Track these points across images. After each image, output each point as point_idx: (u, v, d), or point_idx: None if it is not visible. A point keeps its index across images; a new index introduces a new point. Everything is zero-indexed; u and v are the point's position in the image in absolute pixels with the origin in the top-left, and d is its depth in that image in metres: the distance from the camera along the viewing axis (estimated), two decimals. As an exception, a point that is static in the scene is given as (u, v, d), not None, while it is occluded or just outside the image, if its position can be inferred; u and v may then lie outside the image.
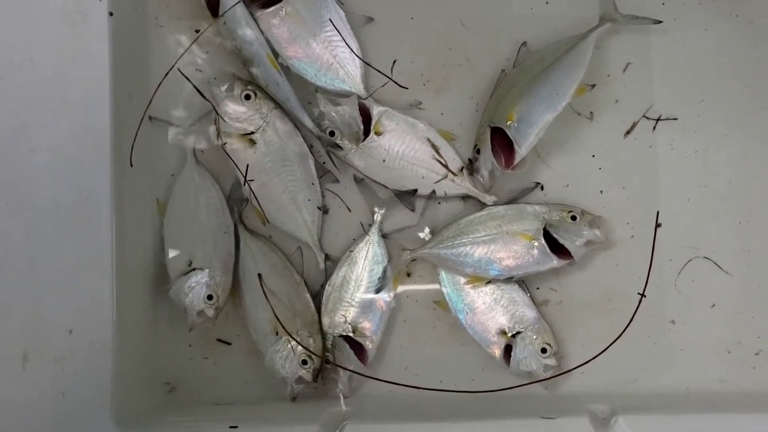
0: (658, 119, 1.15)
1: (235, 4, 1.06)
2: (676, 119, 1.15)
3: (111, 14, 1.04)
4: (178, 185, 1.14)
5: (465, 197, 1.15)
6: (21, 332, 0.83)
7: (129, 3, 1.10)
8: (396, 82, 1.12)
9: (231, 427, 1.00)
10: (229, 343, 1.15)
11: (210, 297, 1.09)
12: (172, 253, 1.12)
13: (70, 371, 0.91)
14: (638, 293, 1.06)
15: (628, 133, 1.15)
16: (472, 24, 1.15)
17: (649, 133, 1.15)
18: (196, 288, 1.09)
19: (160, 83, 1.05)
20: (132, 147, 1.04)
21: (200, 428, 1.08)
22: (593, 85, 1.10)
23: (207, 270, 1.10)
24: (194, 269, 1.10)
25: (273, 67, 1.10)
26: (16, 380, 0.82)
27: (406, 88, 1.13)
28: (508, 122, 1.06)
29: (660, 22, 1.12)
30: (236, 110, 1.09)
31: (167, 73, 1.06)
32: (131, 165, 1.04)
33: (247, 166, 1.08)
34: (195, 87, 1.08)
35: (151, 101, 1.08)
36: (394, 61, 1.13)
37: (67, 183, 0.95)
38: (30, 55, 0.87)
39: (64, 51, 0.95)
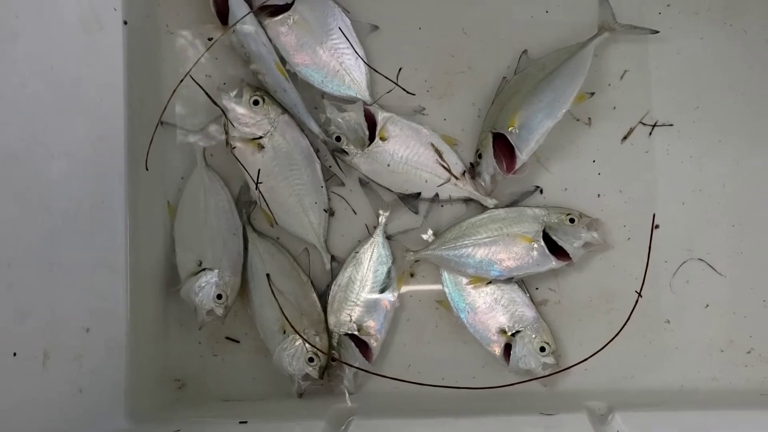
0: (655, 125, 1.16)
1: (245, 15, 1.07)
2: (671, 125, 1.16)
3: (125, 23, 1.06)
4: (188, 188, 1.15)
5: (467, 200, 1.16)
6: (42, 331, 0.84)
7: (141, 11, 1.12)
8: (403, 89, 1.13)
9: (241, 422, 1.01)
10: (238, 341, 1.16)
11: (219, 296, 1.11)
12: (182, 254, 1.13)
13: (87, 368, 0.93)
14: (635, 291, 1.08)
15: (625, 138, 1.16)
16: (474, 32, 1.16)
17: (645, 138, 1.16)
18: (205, 287, 1.11)
19: (174, 91, 1.07)
20: (147, 151, 1.06)
21: (210, 423, 1.09)
22: (592, 93, 1.11)
23: (216, 270, 1.12)
24: (204, 269, 1.12)
25: (281, 74, 1.11)
26: (38, 377, 0.83)
27: (413, 95, 1.14)
28: (510, 128, 1.08)
29: (657, 32, 1.13)
30: (245, 115, 1.11)
31: (181, 81, 1.07)
32: (147, 169, 1.06)
33: (259, 170, 1.09)
34: (206, 93, 1.10)
35: (165, 108, 1.09)
36: (400, 69, 1.14)
37: (83, 187, 0.96)
38: (51, 65, 0.89)
39: (82, 59, 0.97)
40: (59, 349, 0.87)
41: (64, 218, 0.91)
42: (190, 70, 1.07)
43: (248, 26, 1.10)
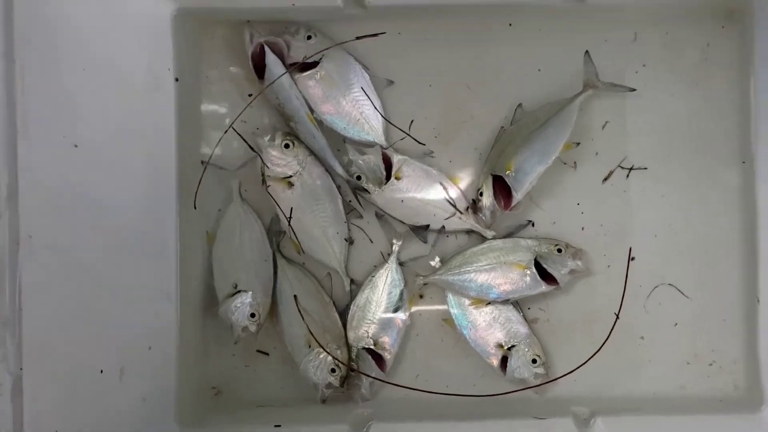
0: (631, 169, 1.19)
1: (282, 75, 1.13)
2: (646, 169, 1.20)
3: (177, 80, 1.13)
4: (226, 220, 1.20)
5: (469, 232, 1.21)
6: (120, 351, 0.93)
7: (188, 67, 1.17)
8: (414, 138, 1.19)
9: (276, 426, 1.08)
10: (267, 354, 1.21)
11: (253, 315, 1.16)
12: (220, 278, 1.19)
13: (149, 380, 1.02)
14: (614, 313, 1.13)
15: (605, 180, 1.20)
16: (477, 88, 1.21)
17: (623, 180, 1.20)
18: (240, 307, 1.16)
19: (219, 140, 1.14)
20: (196, 192, 1.13)
21: (244, 426, 1.15)
22: (578, 143, 1.15)
23: (250, 292, 1.17)
24: (239, 292, 1.17)
25: (310, 122, 1.16)
26: (117, 390, 0.92)
27: (424, 144, 1.19)
28: (507, 172, 1.13)
29: (634, 90, 1.17)
30: (277, 157, 1.16)
31: (225, 132, 1.14)
32: (195, 207, 1.13)
33: (291, 209, 1.15)
34: (245, 141, 1.16)
35: (212, 154, 1.16)
36: (412, 121, 1.19)
37: (147, 224, 1.04)
38: (125, 121, 0.97)
39: (145, 114, 1.04)
40: (131, 365, 0.96)
41: (132, 253, 0.99)
42: (233, 121, 1.14)
43: (282, 79, 1.14)
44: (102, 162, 0.93)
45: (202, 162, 1.19)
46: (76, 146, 0.84)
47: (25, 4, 0.73)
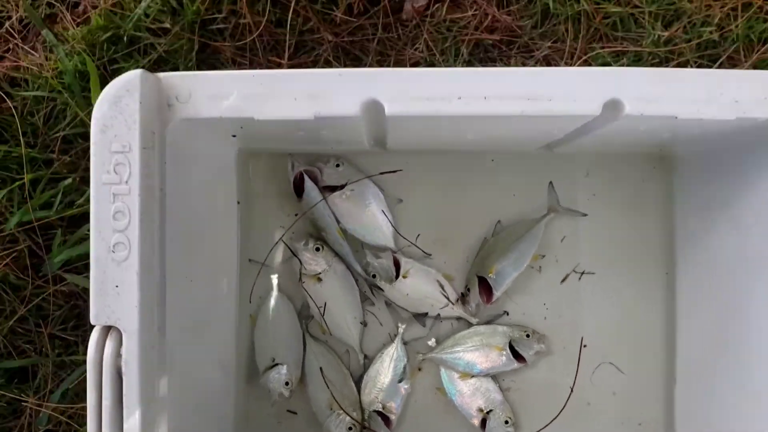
0: (583, 273, 1.37)
1: (318, 202, 1.35)
2: (594, 273, 1.38)
3: (238, 202, 1.36)
4: (265, 306, 1.38)
5: (459, 319, 1.37)
6: (205, 423, 1.14)
7: (243, 189, 1.37)
8: (418, 247, 1.38)
9: None
10: (296, 413, 1.37)
11: (287, 383, 1.33)
12: (260, 353, 1.36)
13: None
14: (569, 387, 1.31)
15: (563, 281, 1.37)
16: (467, 206, 1.39)
17: (576, 282, 1.37)
18: (277, 377, 1.34)
19: (270, 250, 1.36)
20: (252, 290, 1.37)
21: None
22: (543, 255, 1.36)
23: (285, 365, 1.33)
24: (276, 365, 1.34)
25: (337, 232, 1.36)
26: None
27: (429, 254, 1.38)
28: (490, 275, 1.31)
29: (586, 214, 1.37)
30: (309, 258, 1.36)
31: (276, 244, 1.36)
32: (250, 301, 1.37)
33: (325, 303, 1.36)
34: (289, 248, 1.37)
35: (265, 259, 1.37)
36: (418, 235, 1.38)
37: (216, 315, 1.27)
38: (211, 245, 1.20)
39: (219, 232, 1.27)
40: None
41: (210, 341, 1.23)
42: (283, 234, 1.38)
43: (316, 198, 1.34)
44: (199, 281, 1.15)
45: (250, 260, 1.43)
46: (191, 281, 1.07)
47: (171, 185, 0.97)
